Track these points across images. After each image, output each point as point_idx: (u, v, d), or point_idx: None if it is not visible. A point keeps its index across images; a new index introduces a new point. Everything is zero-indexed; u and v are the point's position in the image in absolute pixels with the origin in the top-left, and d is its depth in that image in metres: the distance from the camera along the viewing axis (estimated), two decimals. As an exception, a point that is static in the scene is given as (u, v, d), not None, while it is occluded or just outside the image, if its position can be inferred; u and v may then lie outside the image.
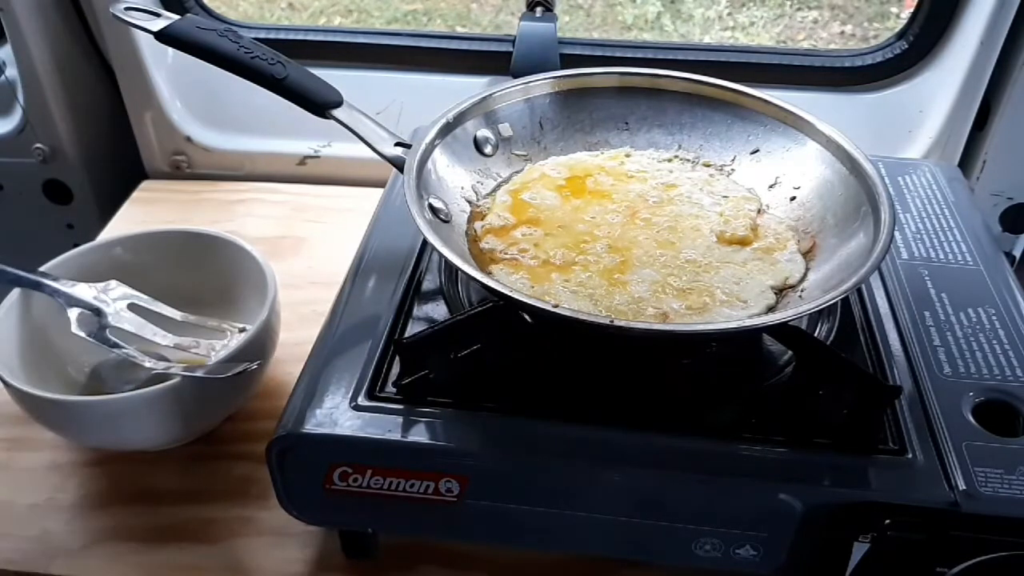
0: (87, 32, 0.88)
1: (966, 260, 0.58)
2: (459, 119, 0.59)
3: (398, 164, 0.54)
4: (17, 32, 0.81)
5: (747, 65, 0.84)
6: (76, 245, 0.64)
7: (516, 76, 0.64)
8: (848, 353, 0.48)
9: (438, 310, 0.53)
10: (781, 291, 0.52)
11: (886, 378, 0.49)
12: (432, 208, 0.54)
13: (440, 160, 0.57)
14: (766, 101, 0.60)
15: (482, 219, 0.57)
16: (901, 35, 0.83)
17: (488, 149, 0.61)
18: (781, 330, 0.48)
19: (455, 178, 0.58)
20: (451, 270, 0.56)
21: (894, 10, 2.09)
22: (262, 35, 0.89)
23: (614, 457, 0.44)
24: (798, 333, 0.49)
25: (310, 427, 0.45)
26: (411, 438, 0.45)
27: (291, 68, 0.56)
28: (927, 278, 0.56)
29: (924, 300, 0.54)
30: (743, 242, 0.55)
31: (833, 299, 0.45)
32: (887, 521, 0.41)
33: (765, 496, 0.43)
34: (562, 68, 0.70)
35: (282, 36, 0.89)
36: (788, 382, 0.48)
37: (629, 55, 0.85)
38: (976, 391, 0.48)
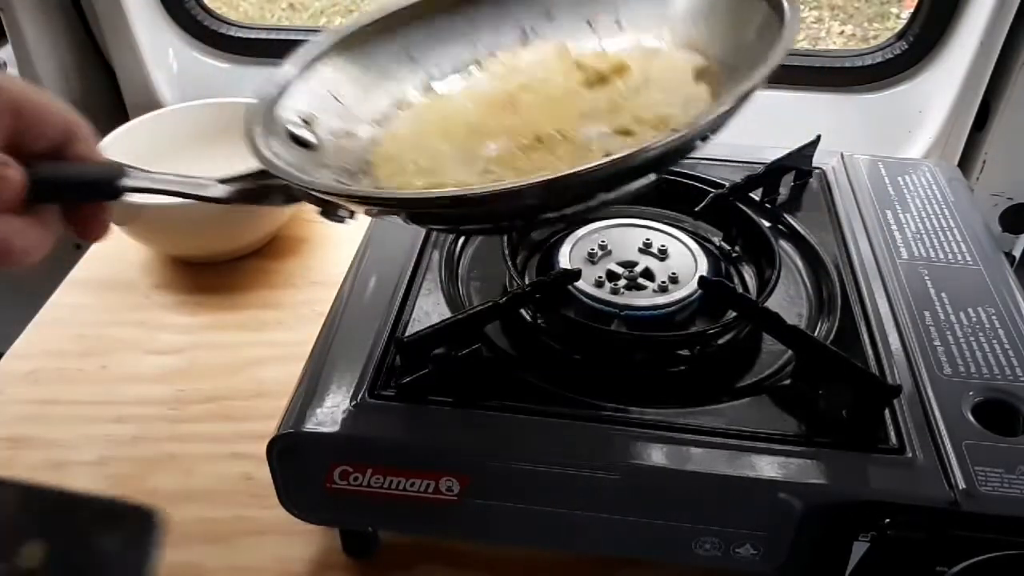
0: (87, 32, 0.88)
1: (966, 260, 0.58)
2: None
3: (231, 201, 0.43)
4: (17, 32, 0.81)
5: (747, 65, 0.84)
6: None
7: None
8: (848, 353, 0.48)
9: (438, 309, 0.53)
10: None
11: (886, 377, 0.49)
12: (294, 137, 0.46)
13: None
14: None
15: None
16: (901, 35, 0.83)
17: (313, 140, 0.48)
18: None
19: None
20: (452, 268, 0.57)
21: (894, 10, 2.10)
22: (262, 35, 0.89)
23: (614, 456, 0.44)
24: (798, 333, 0.49)
25: (311, 426, 0.45)
26: (412, 437, 0.45)
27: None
28: (927, 278, 0.56)
29: (924, 300, 0.54)
30: (618, 71, 0.49)
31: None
32: (887, 520, 0.41)
33: (765, 496, 0.43)
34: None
35: (282, 36, 0.89)
36: (788, 382, 0.48)
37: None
38: (976, 391, 0.48)
